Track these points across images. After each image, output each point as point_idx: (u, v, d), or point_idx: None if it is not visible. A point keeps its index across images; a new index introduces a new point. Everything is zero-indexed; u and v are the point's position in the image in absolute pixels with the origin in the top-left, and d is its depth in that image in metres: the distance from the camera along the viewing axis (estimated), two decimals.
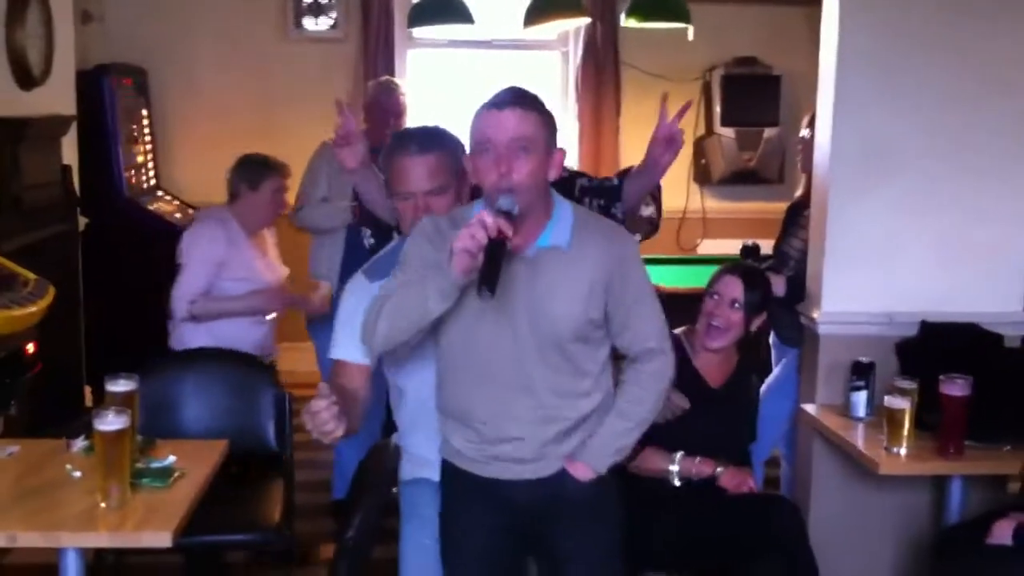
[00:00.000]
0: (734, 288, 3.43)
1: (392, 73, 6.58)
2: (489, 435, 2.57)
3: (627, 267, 2.58)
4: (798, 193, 4.31)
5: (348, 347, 2.77)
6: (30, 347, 4.39)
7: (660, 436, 3.10)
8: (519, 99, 2.49)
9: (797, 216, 4.14)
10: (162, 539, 2.59)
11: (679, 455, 3.26)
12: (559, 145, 2.54)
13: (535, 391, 2.53)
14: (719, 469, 3.24)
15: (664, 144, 3.21)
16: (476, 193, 2.67)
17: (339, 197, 4.59)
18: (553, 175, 2.51)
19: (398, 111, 4.82)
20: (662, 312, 2.67)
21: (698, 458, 3.26)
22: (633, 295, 2.58)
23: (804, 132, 4.20)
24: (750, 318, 3.44)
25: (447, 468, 2.71)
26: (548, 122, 2.50)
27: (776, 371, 4.17)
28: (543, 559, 2.73)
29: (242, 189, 4.30)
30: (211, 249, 4.14)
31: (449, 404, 2.64)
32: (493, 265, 2.29)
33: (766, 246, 4.38)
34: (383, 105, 4.79)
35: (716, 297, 3.44)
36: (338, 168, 4.24)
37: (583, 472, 2.60)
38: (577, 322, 2.51)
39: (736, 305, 3.42)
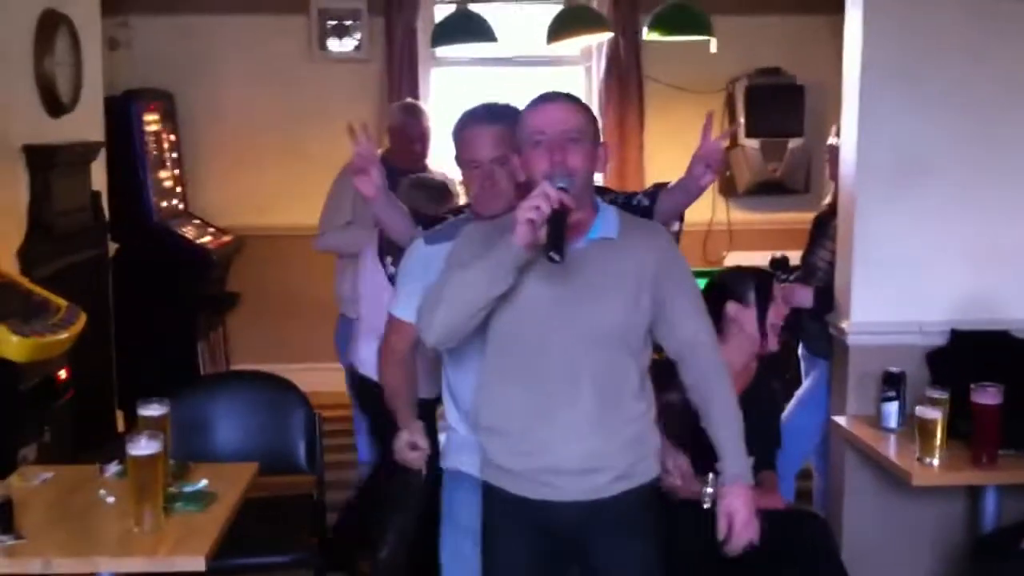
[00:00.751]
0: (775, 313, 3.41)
1: (416, 92, 6.61)
2: (532, 443, 2.55)
3: (672, 258, 2.63)
4: (826, 201, 4.29)
5: (407, 306, 2.83)
6: (62, 373, 4.43)
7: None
8: (564, 95, 2.61)
9: (825, 227, 4.12)
10: (196, 563, 2.61)
11: (712, 477, 3.22)
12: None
13: (581, 391, 2.51)
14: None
15: (706, 162, 3.20)
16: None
17: (363, 221, 4.61)
18: (599, 168, 2.58)
19: (422, 135, 4.83)
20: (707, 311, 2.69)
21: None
22: (680, 285, 2.61)
23: (832, 140, 4.19)
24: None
25: (488, 490, 2.68)
26: (592, 118, 2.60)
27: (806, 383, 4.15)
28: (584, 570, 2.71)
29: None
30: None
31: (492, 413, 2.62)
32: (558, 231, 2.34)
33: (794, 257, 4.36)
34: (407, 129, 4.81)
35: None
36: None
37: (744, 494, 2.58)
38: (628, 312, 2.53)
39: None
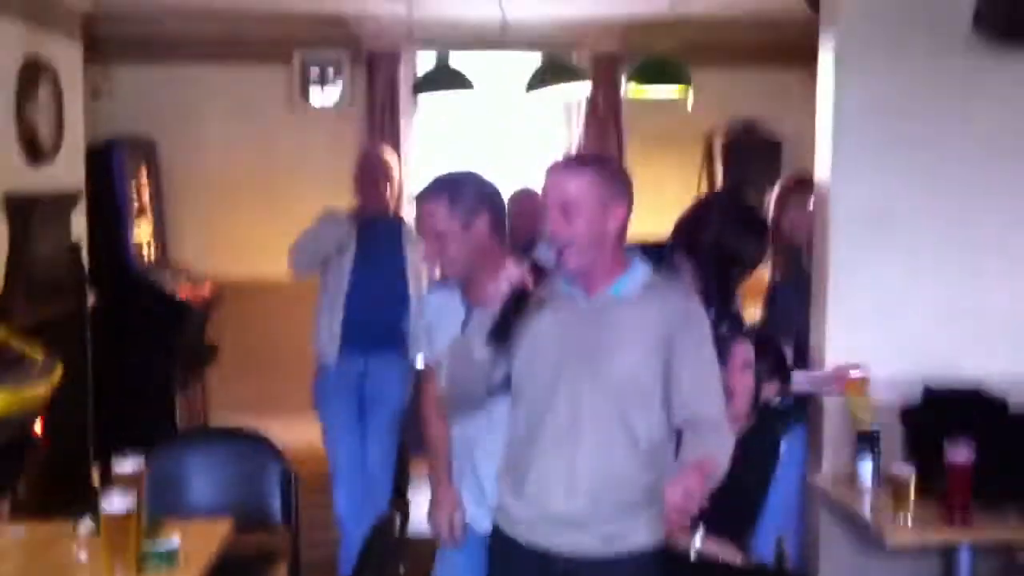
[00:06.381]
0: (744, 351, 3.43)
1: (398, 140, 6.65)
2: (530, 488, 2.61)
3: (691, 324, 2.64)
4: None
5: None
6: (36, 427, 4.41)
7: None
8: (571, 161, 2.74)
9: (775, 300, 4.18)
10: None
11: (700, 533, 3.21)
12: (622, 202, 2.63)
13: (580, 445, 2.55)
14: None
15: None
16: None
17: (336, 269, 4.59)
18: (613, 227, 2.61)
19: (386, 174, 4.76)
20: (721, 389, 2.70)
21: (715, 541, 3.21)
22: (689, 355, 2.61)
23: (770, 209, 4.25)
24: (761, 383, 3.44)
25: (496, 535, 2.76)
26: (604, 178, 2.60)
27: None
28: None
29: None
30: None
31: (509, 455, 2.71)
32: (506, 317, 2.46)
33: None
34: (369, 169, 4.74)
35: (729, 361, 3.44)
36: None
37: (679, 495, 2.33)
38: (637, 371, 2.57)
39: (748, 369, 3.42)
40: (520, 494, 2.65)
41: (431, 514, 3.08)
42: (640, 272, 2.67)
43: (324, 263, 4.61)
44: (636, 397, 2.58)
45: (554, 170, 2.66)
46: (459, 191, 2.96)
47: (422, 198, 3.03)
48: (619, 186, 2.64)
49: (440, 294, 3.13)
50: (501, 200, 3.09)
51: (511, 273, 2.46)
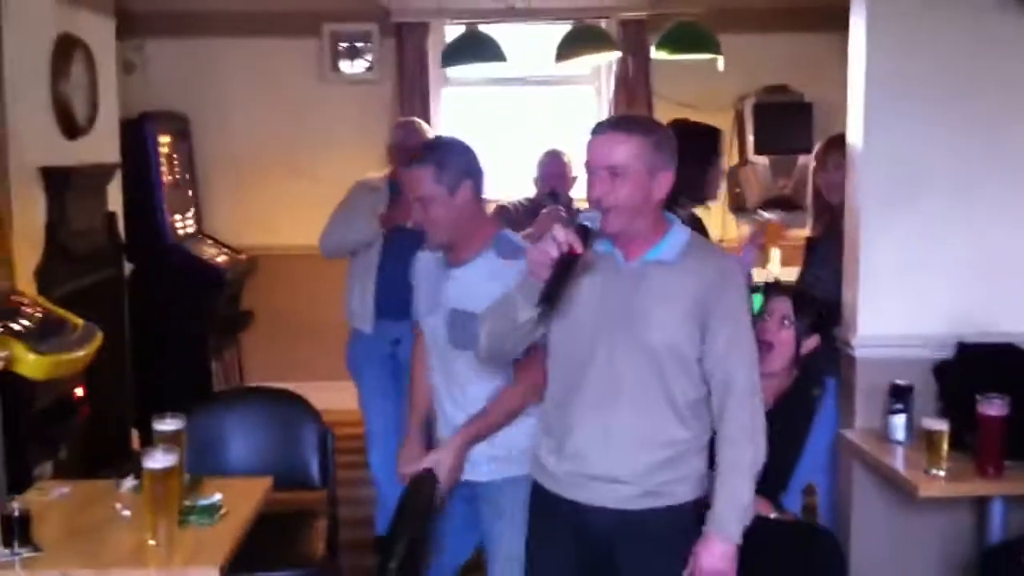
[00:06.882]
0: (783, 306, 3.47)
1: (427, 113, 6.67)
2: (568, 446, 2.65)
3: (728, 288, 2.65)
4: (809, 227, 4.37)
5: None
6: (78, 391, 4.48)
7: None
8: (616, 124, 2.66)
9: (816, 249, 4.21)
10: (209, 575, 2.65)
11: None
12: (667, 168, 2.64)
13: (618, 405, 2.59)
14: None
15: None
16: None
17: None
18: (658, 195, 2.62)
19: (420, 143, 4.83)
20: (755, 352, 2.71)
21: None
22: (724, 321, 2.61)
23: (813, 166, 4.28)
24: (800, 338, 3.46)
25: (534, 490, 2.80)
26: (651, 145, 2.60)
27: None
28: None
29: None
30: None
31: (548, 416, 2.75)
32: (557, 281, 2.44)
33: (788, 273, 4.40)
34: (407, 144, 4.81)
35: (767, 317, 3.47)
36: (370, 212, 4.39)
37: (717, 548, 2.59)
38: (671, 334, 2.58)
39: (786, 323, 3.44)
40: (561, 453, 2.68)
41: (397, 463, 3.28)
42: (679, 236, 2.68)
43: (352, 253, 4.66)
44: (673, 359, 2.60)
45: (601, 132, 2.63)
46: (446, 158, 3.04)
47: (410, 163, 3.11)
48: (666, 153, 2.63)
49: (425, 256, 3.24)
50: (482, 167, 3.15)
51: (559, 236, 2.43)
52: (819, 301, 3.67)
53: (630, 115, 2.73)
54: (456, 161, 3.05)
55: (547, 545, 2.74)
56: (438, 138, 3.18)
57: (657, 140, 2.61)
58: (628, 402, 2.60)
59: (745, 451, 2.62)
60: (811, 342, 3.50)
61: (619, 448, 2.61)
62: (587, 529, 2.67)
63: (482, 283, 2.96)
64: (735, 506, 2.61)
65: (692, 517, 2.68)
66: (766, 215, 4.05)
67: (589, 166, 2.61)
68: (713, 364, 2.63)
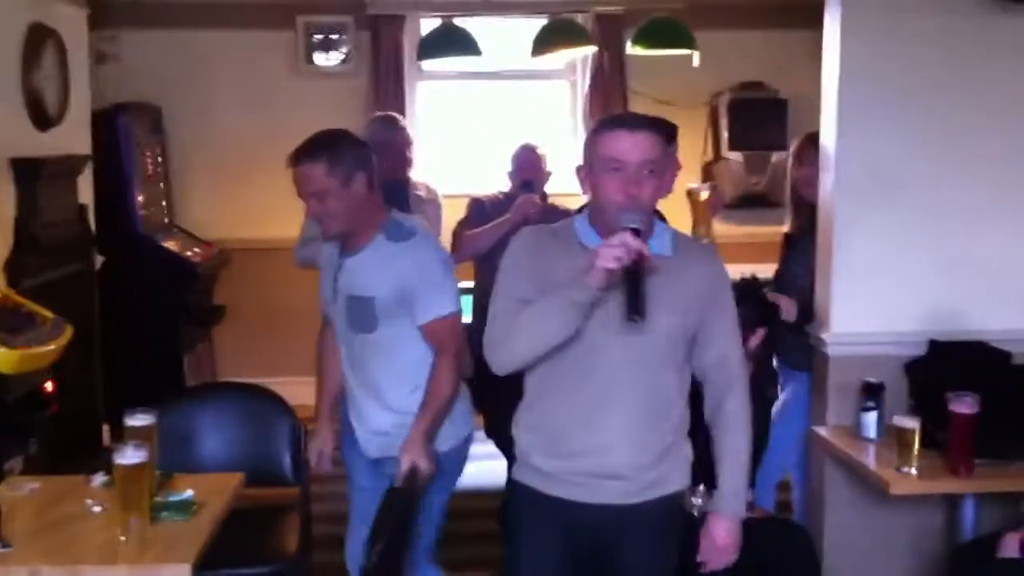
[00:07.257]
0: None
1: (402, 105, 6.65)
2: (571, 446, 2.62)
3: (722, 283, 2.70)
4: (787, 223, 4.37)
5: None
6: (48, 386, 4.44)
7: None
8: (647, 122, 2.59)
9: (795, 245, 4.21)
10: (181, 572, 2.63)
11: (702, 488, 3.25)
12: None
13: (623, 402, 2.58)
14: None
15: None
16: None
17: None
18: (665, 192, 2.65)
19: (409, 143, 4.85)
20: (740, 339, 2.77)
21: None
22: (724, 310, 2.67)
23: (790, 163, 4.29)
24: (746, 333, 3.45)
25: (517, 489, 2.75)
26: (666, 143, 2.64)
27: (784, 395, 4.18)
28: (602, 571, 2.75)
29: None
30: None
31: (534, 416, 2.69)
32: (635, 290, 2.40)
33: (764, 270, 4.41)
34: (396, 141, 4.81)
35: None
36: None
37: (730, 524, 2.70)
38: (674, 330, 2.59)
39: None
40: (553, 451, 2.64)
41: (307, 444, 3.45)
42: (665, 229, 2.68)
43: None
44: (670, 352, 2.61)
45: (634, 128, 2.53)
46: (337, 152, 3.10)
47: (299, 160, 3.12)
48: (672, 148, 2.66)
49: (328, 247, 3.32)
50: (372, 155, 3.22)
51: (628, 243, 2.36)
52: (762, 293, 3.67)
53: (638, 113, 2.69)
54: (348, 154, 3.12)
55: (535, 544, 2.71)
56: (328, 132, 3.21)
57: (665, 136, 2.68)
58: (631, 399, 2.59)
59: (746, 433, 2.72)
60: (756, 337, 3.50)
61: (626, 446, 2.60)
62: (578, 525, 2.65)
63: (375, 267, 3.13)
64: (739, 486, 2.71)
65: (676, 502, 2.71)
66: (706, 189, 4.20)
67: (621, 164, 2.48)
68: (713, 353, 2.67)
